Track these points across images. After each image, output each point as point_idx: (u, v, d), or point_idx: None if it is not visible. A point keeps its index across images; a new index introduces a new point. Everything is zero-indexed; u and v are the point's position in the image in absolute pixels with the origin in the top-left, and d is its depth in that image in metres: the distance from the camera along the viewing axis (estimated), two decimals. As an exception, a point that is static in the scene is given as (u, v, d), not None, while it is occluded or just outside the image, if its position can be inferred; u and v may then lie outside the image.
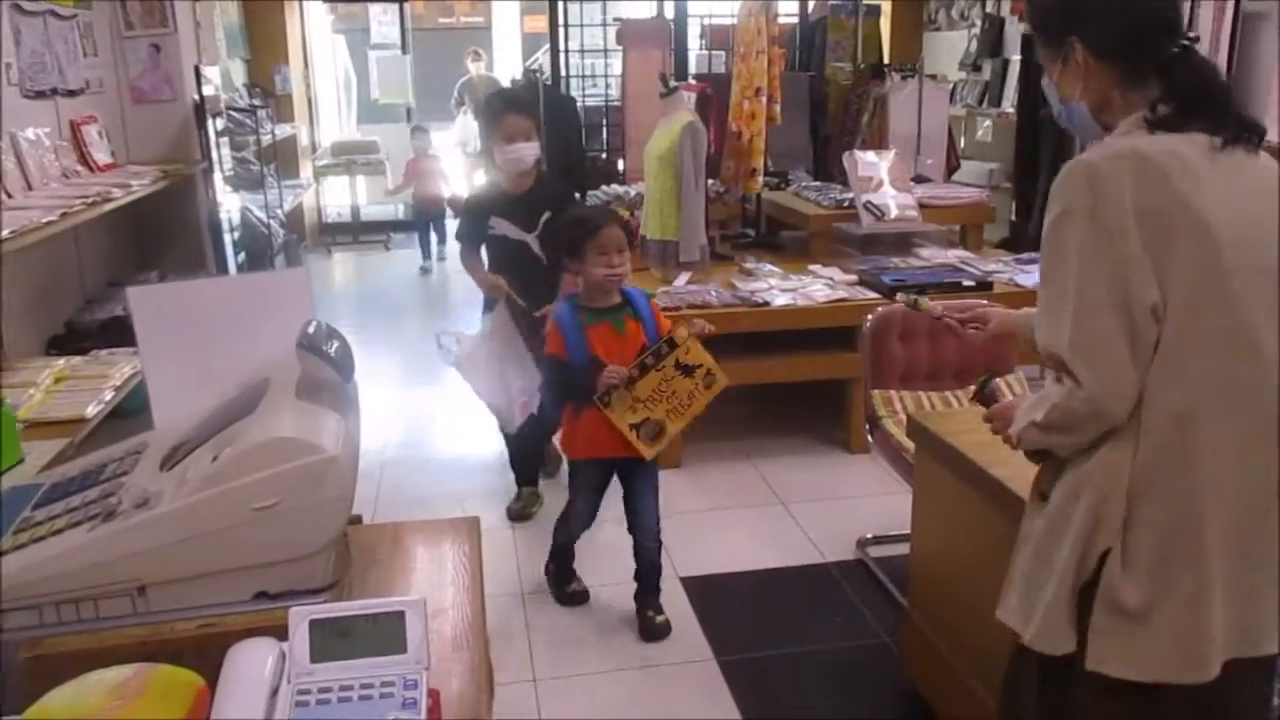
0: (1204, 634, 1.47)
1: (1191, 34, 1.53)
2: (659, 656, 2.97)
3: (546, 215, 3.64)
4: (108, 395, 3.27)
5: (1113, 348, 1.42)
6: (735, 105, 5.28)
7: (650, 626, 3.09)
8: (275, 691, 1.14)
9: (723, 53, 7.25)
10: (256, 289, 1.72)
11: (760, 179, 5.37)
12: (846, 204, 5.20)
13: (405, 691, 1.13)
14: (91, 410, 3.12)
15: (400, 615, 1.16)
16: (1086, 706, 1.55)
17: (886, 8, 8.08)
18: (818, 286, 4.49)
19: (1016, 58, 7.18)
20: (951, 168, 6.12)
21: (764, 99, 5.11)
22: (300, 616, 1.16)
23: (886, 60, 7.12)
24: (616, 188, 6.52)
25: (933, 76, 6.23)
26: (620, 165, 7.41)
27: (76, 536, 1.30)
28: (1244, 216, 1.44)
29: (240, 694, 1.12)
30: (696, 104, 5.23)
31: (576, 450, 3.10)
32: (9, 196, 3.68)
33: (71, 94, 4.68)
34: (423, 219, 8.75)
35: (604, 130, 7.89)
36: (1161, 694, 1.48)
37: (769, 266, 4.82)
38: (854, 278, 4.60)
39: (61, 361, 3.58)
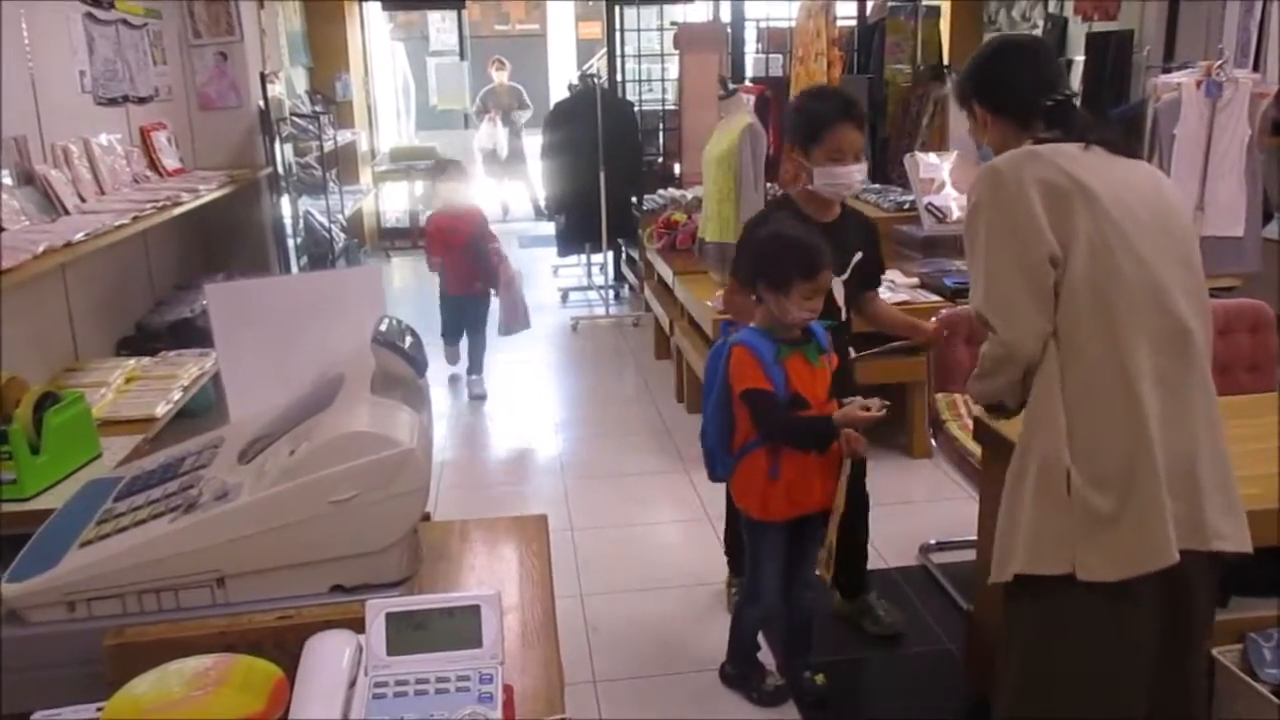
0: (1164, 523, 1.73)
1: (1068, 90, 1.98)
2: (720, 659, 2.94)
3: (859, 257, 2.94)
4: (176, 395, 3.34)
5: (1017, 298, 1.76)
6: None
7: (810, 689, 2.79)
8: (352, 683, 1.14)
9: (780, 55, 7.22)
10: (331, 286, 1.74)
11: None
12: (907, 206, 5.14)
13: (481, 685, 1.13)
14: (161, 410, 3.18)
15: (476, 609, 1.16)
16: (1078, 619, 1.80)
17: (945, 8, 7.98)
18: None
19: (1080, 58, 7.05)
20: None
21: None
22: (377, 609, 1.16)
23: (946, 62, 7.03)
24: (674, 191, 6.52)
25: None
26: (677, 169, 7.43)
27: (158, 527, 1.33)
28: (1115, 185, 1.81)
29: (319, 685, 1.12)
30: (755, 106, 5.22)
31: (774, 511, 2.61)
32: (82, 201, 3.77)
33: (142, 101, 4.78)
34: (451, 308, 5.57)
35: (660, 134, 7.91)
36: (1134, 587, 1.75)
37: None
38: (915, 280, 4.54)
39: (132, 362, 3.66)
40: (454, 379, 5.65)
